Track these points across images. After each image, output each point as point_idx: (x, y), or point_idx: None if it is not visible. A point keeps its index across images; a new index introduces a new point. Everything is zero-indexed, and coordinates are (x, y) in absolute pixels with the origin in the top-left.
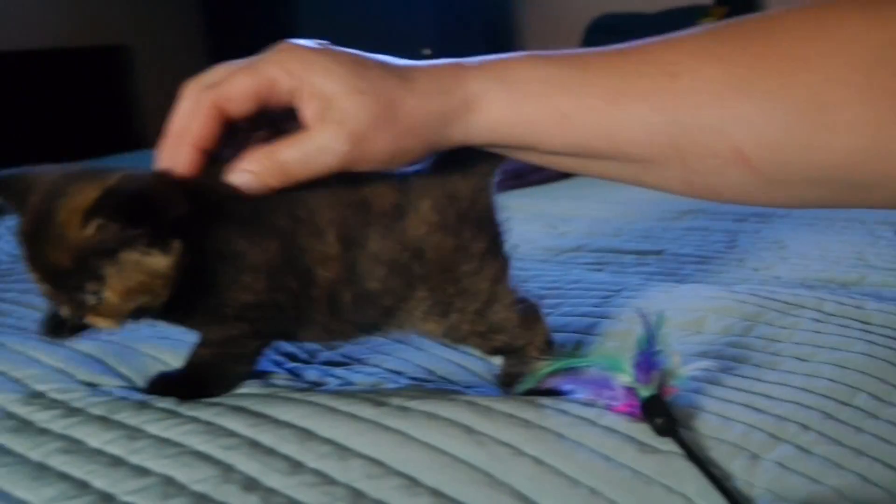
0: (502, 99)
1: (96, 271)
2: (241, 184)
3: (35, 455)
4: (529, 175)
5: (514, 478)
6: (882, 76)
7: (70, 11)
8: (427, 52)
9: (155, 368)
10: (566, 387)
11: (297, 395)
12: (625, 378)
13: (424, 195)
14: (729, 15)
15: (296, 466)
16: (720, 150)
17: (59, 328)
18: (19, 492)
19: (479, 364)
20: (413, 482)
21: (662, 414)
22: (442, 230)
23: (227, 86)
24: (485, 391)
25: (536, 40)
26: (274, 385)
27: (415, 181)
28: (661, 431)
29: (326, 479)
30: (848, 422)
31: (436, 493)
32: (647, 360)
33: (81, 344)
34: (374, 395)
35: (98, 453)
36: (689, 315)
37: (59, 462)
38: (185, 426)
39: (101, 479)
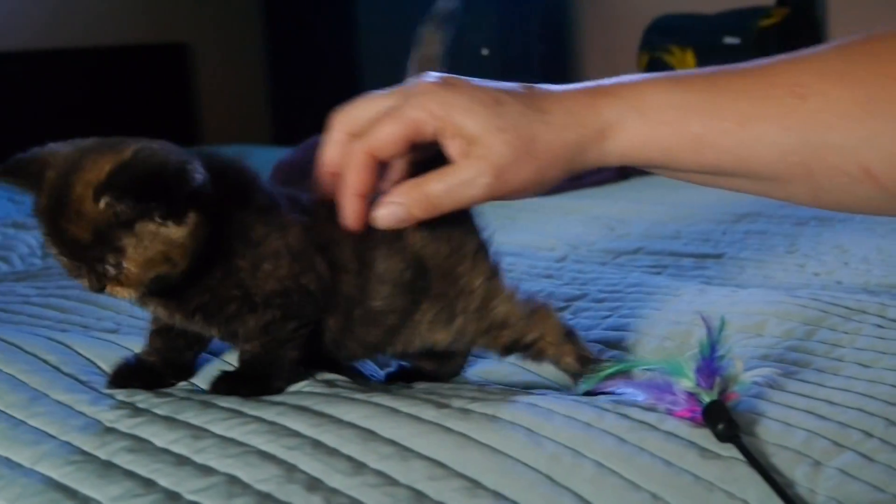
0: (637, 126)
1: (115, 243)
2: (388, 214)
3: (102, 454)
4: (586, 177)
5: (574, 481)
6: None
7: (132, 9)
8: (485, 52)
9: (218, 369)
10: (626, 390)
11: (359, 396)
12: (686, 383)
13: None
14: (790, 16)
15: (358, 467)
16: (849, 169)
17: (129, 378)
18: (86, 489)
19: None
20: (474, 484)
21: (724, 420)
22: (437, 240)
23: (377, 136)
24: (545, 392)
25: (595, 41)
26: (337, 385)
27: None
28: (723, 437)
29: (388, 480)
30: None
31: (497, 495)
32: (710, 365)
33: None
34: (435, 397)
35: (163, 452)
36: (749, 319)
37: (125, 461)
38: (248, 426)
39: (166, 478)
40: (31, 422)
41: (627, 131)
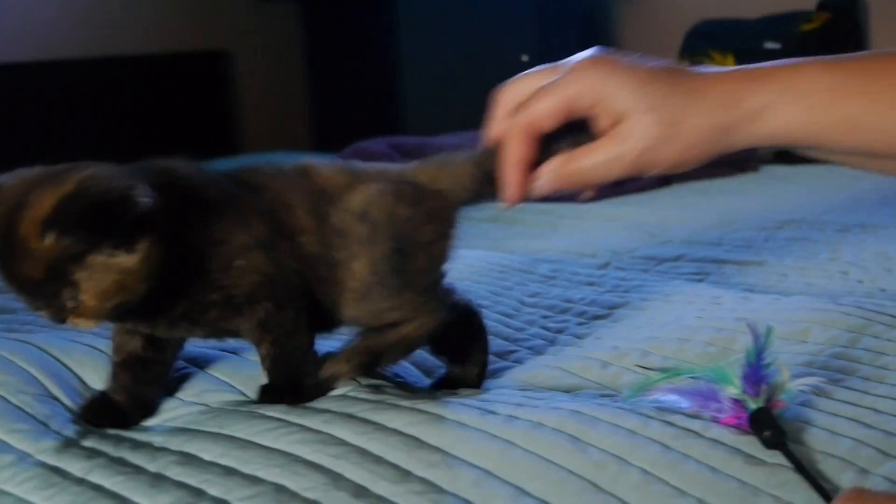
0: (791, 109)
1: (68, 278)
2: (542, 185)
3: (152, 467)
4: (627, 183)
5: (620, 488)
6: None
7: (174, 18)
8: (525, 58)
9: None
10: (671, 398)
11: (404, 403)
12: (732, 390)
13: (379, 179)
14: (831, 21)
15: (404, 475)
16: None
17: (99, 416)
18: (137, 497)
19: (577, 363)
20: (520, 492)
21: (771, 427)
22: (393, 196)
23: (536, 108)
24: (587, 396)
25: (635, 46)
26: (382, 391)
27: (369, 169)
28: (770, 444)
29: (434, 488)
30: None
31: (542, 502)
32: (756, 373)
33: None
34: (480, 403)
35: (212, 465)
36: (793, 326)
37: (175, 473)
38: (294, 435)
39: (215, 488)
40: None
41: (781, 114)
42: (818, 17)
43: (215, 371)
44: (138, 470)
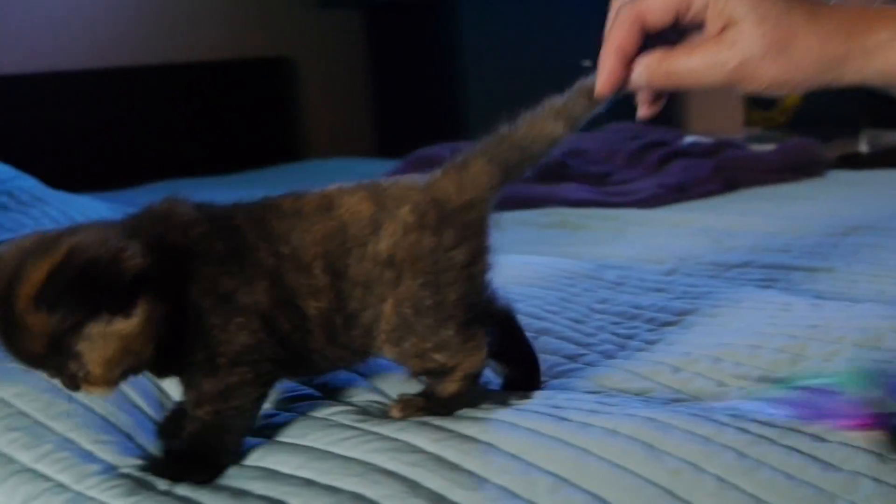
0: None
1: (70, 350)
2: (635, 77)
3: (234, 483)
4: (692, 188)
5: (696, 495)
6: None
7: (238, 25)
8: (587, 62)
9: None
10: (785, 408)
11: (478, 412)
12: (869, 394)
13: (404, 201)
14: None
15: (480, 482)
16: None
17: (177, 429)
18: None
19: (648, 367)
20: (596, 498)
21: None
22: (418, 230)
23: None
24: (660, 403)
25: None
26: None
27: (394, 188)
28: None
29: (510, 495)
30: None
31: None
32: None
33: None
34: (554, 410)
35: (291, 478)
36: (866, 332)
37: (257, 486)
38: (371, 444)
39: (296, 498)
40: None
41: None
42: None
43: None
44: (220, 488)
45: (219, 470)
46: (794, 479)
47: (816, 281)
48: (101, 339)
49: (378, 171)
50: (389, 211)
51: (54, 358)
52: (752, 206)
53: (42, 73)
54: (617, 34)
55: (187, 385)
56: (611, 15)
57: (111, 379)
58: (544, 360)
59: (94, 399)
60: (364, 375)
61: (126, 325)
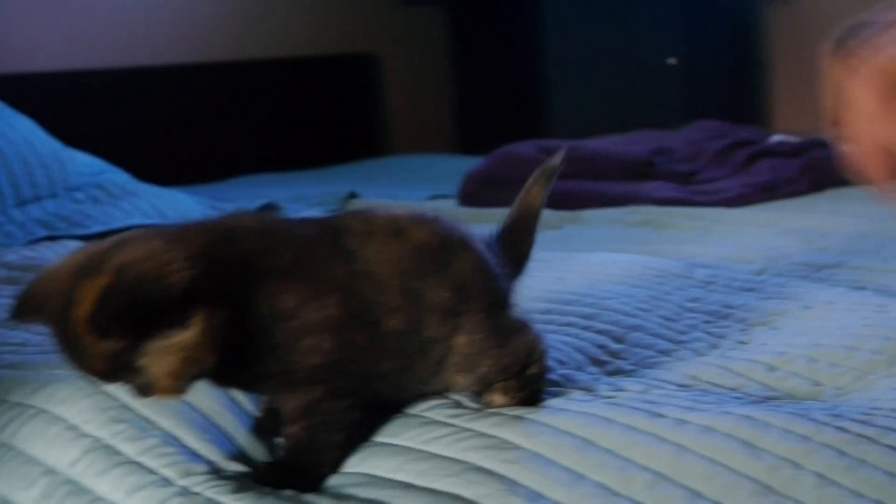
0: None
1: (133, 366)
2: None
3: (334, 489)
4: (779, 188)
5: (795, 492)
6: None
7: (323, 21)
8: (672, 61)
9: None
10: None
11: (573, 406)
12: None
13: (467, 247)
14: None
15: (577, 478)
16: None
17: (271, 429)
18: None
19: (742, 364)
20: (694, 494)
21: None
22: (485, 266)
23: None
24: (755, 400)
25: (785, 49)
26: (547, 393)
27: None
28: None
29: (608, 491)
30: None
31: None
32: None
33: None
34: (649, 406)
35: (389, 481)
36: None
37: (359, 490)
38: (466, 441)
39: (398, 500)
40: None
41: None
42: None
43: None
44: (317, 496)
45: (318, 480)
46: (894, 477)
47: None
48: (162, 353)
49: (461, 167)
50: (454, 250)
51: (119, 375)
52: (841, 206)
53: (133, 68)
54: (863, 102)
55: (276, 400)
56: (835, 72)
57: (178, 388)
58: (636, 353)
59: (196, 396)
60: None
61: (185, 337)
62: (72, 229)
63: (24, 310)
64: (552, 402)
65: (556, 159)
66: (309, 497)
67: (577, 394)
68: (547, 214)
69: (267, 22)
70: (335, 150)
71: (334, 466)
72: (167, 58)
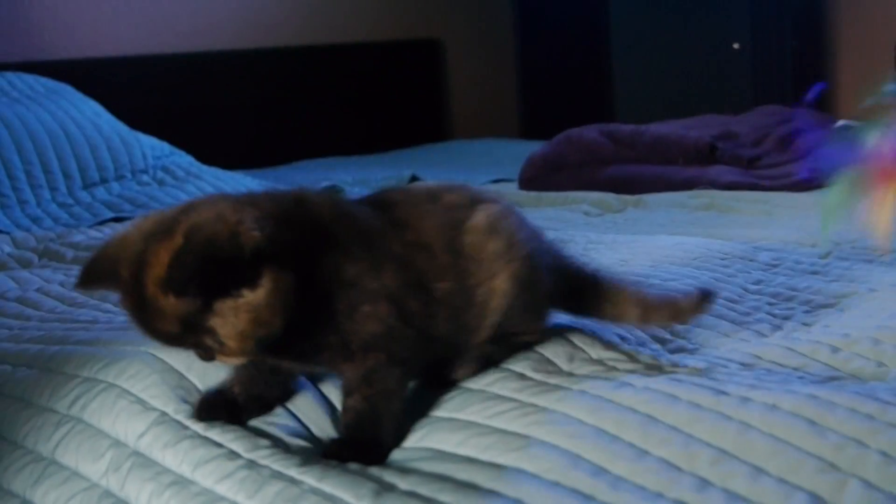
0: None
1: (203, 326)
2: None
3: (400, 463)
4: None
5: (860, 469)
6: None
7: (387, 7)
8: (737, 46)
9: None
10: None
11: (635, 381)
12: None
13: (493, 200)
14: None
15: (641, 454)
16: None
17: (213, 411)
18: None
19: (806, 345)
20: (758, 470)
21: None
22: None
23: None
24: (819, 380)
25: (851, 35)
26: (606, 364)
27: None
28: None
29: (671, 467)
30: None
31: (781, 481)
32: None
33: None
34: (713, 383)
35: (453, 456)
36: None
37: (424, 465)
38: (529, 416)
39: (465, 474)
40: None
41: None
42: None
43: None
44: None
45: (383, 452)
46: None
47: None
48: (233, 313)
49: (523, 152)
50: (482, 200)
51: (189, 336)
52: None
53: (199, 53)
54: None
55: (334, 372)
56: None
57: (246, 350)
58: (699, 333)
59: None
60: None
61: (255, 297)
62: (137, 211)
63: (93, 277)
64: (614, 377)
65: None
66: (374, 470)
67: (640, 369)
68: (609, 198)
69: (332, 7)
70: (399, 135)
71: (396, 437)
72: (233, 43)
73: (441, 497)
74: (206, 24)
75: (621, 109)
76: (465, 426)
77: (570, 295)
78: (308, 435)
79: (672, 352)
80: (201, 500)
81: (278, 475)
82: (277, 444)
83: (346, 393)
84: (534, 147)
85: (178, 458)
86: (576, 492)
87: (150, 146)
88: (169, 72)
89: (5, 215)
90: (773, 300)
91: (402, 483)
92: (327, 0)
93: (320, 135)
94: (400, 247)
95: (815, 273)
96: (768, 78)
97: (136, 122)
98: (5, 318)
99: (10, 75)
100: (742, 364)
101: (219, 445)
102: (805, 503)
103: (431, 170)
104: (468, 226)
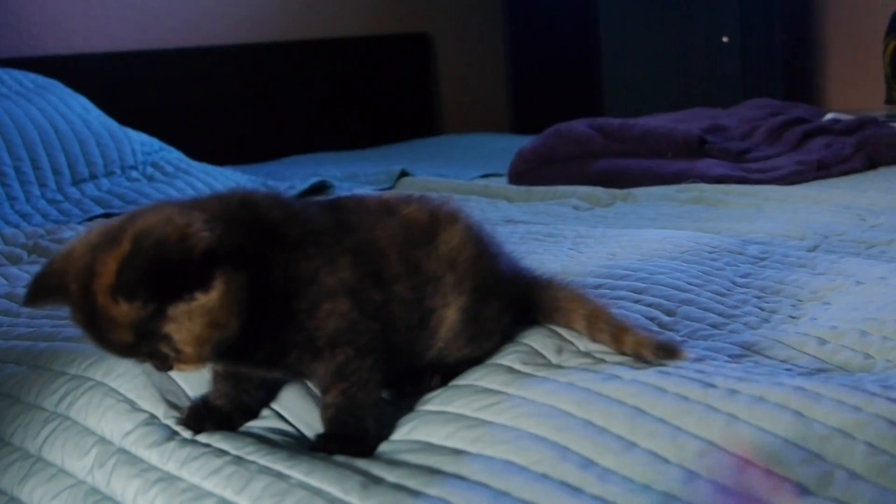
0: None
1: (158, 333)
2: None
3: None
4: (833, 166)
5: (846, 460)
6: None
7: (373, 1)
8: (726, 39)
9: None
10: None
11: (623, 373)
12: None
13: (455, 219)
14: None
15: (628, 446)
16: None
17: (201, 421)
18: (376, 471)
19: (794, 338)
20: (744, 461)
21: None
22: (475, 240)
23: None
24: (805, 372)
25: (839, 28)
26: (594, 357)
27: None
28: None
29: (659, 459)
30: None
31: (769, 472)
32: None
33: None
34: (700, 376)
35: (441, 448)
36: None
37: (412, 457)
38: (518, 409)
39: (453, 466)
40: None
41: None
42: None
43: None
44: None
45: (370, 441)
46: None
47: None
48: (187, 317)
49: (513, 146)
50: (442, 223)
51: (144, 344)
52: (894, 183)
53: (188, 49)
54: None
55: (303, 376)
56: None
57: (203, 355)
58: (687, 326)
59: None
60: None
61: (208, 300)
62: (126, 207)
63: (41, 292)
64: (602, 369)
65: None
66: (362, 463)
67: (628, 361)
68: (599, 192)
69: (321, 2)
70: (388, 130)
71: (380, 426)
72: (222, 39)
73: (429, 490)
74: (195, 19)
75: (611, 103)
76: (453, 419)
77: (526, 306)
78: (295, 430)
79: None
80: (188, 497)
81: (266, 470)
82: (264, 440)
83: (323, 391)
84: (524, 141)
85: (164, 456)
86: (564, 484)
87: (139, 142)
88: (158, 67)
89: None
90: (760, 293)
91: (390, 476)
92: None
93: (310, 130)
94: (353, 243)
95: (802, 266)
96: (758, 71)
97: (126, 117)
98: None
99: None
100: (730, 356)
101: (206, 445)
102: (792, 494)
103: (421, 164)
104: (431, 251)
